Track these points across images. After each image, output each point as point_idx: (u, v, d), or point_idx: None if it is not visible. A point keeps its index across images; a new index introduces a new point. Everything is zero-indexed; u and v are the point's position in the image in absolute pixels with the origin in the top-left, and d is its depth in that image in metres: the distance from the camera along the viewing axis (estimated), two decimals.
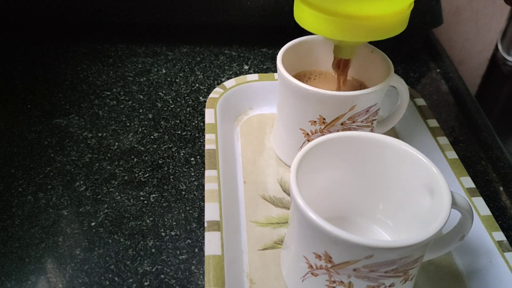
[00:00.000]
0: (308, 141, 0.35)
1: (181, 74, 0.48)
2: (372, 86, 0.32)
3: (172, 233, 0.33)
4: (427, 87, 0.49)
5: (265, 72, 0.48)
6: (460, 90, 0.48)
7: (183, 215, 0.34)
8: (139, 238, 0.32)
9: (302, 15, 0.31)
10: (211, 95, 0.41)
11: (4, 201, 0.34)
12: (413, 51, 0.54)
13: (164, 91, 0.46)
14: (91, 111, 0.43)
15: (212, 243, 0.29)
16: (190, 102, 0.44)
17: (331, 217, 0.31)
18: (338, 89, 0.36)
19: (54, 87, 0.46)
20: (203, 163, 0.38)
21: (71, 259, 0.31)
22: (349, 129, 0.34)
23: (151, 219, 0.33)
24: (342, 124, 0.33)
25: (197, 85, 0.47)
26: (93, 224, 0.33)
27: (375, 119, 0.35)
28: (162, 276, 0.30)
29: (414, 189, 0.28)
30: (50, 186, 0.35)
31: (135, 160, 0.38)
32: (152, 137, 0.40)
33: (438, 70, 0.52)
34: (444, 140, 0.37)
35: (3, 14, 0.51)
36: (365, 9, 0.29)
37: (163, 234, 0.32)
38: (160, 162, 0.38)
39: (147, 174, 0.37)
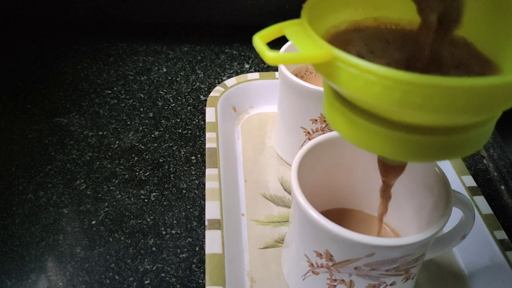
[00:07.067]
0: (309, 139, 0.35)
1: (182, 73, 0.48)
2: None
3: (173, 231, 0.32)
4: None
5: (266, 71, 0.48)
6: None
7: (183, 213, 0.34)
8: (139, 236, 0.32)
9: (342, 124, 0.21)
10: (212, 94, 0.41)
11: (4, 200, 0.34)
12: None
13: (164, 90, 0.46)
14: (92, 109, 0.43)
15: (212, 241, 0.29)
16: (190, 101, 0.44)
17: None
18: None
19: (55, 85, 0.46)
20: (204, 161, 0.38)
21: (71, 257, 0.31)
22: None
23: (151, 217, 0.33)
24: None
25: (197, 83, 0.47)
26: (93, 222, 0.33)
27: None
28: (163, 274, 0.30)
29: (416, 188, 0.28)
30: (51, 184, 0.35)
31: (136, 158, 0.38)
32: (152, 135, 0.40)
33: None
34: None
35: (3, 14, 0.51)
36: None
37: (164, 232, 0.32)
38: (160, 160, 0.38)
39: (148, 173, 0.37)
